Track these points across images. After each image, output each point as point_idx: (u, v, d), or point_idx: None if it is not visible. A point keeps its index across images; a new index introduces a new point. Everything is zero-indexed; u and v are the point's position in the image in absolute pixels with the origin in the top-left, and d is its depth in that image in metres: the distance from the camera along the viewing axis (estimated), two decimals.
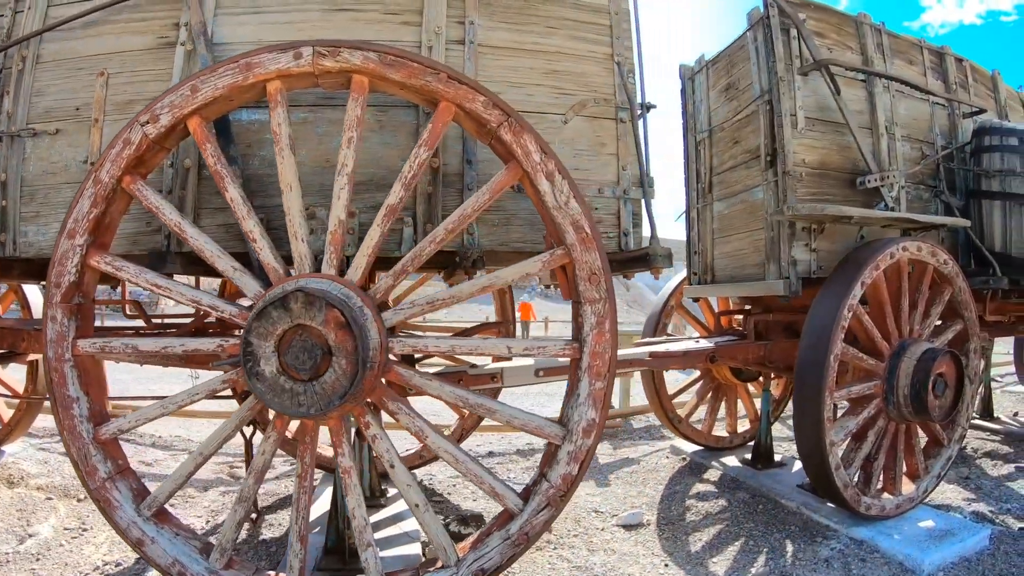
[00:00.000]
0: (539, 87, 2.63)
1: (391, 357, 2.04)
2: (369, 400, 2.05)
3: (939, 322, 3.62)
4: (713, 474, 4.20)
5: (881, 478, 3.27)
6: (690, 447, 4.64)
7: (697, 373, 4.66)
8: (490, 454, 5.17)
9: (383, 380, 2.04)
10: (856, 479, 3.12)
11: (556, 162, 2.10)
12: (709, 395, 4.58)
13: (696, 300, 4.53)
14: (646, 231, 2.67)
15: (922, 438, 3.58)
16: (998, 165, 3.71)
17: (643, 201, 2.68)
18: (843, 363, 2.98)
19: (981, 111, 4.01)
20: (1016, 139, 3.70)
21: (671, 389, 4.57)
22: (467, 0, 2.54)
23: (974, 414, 5.56)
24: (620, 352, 3.44)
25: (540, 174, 2.08)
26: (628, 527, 3.45)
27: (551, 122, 2.66)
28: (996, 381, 7.45)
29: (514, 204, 2.52)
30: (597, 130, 2.69)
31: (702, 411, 4.77)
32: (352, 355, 1.83)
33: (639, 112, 2.73)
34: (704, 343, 3.59)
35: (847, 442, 3.22)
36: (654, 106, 3.12)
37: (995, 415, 5.47)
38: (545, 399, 7.94)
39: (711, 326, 4.53)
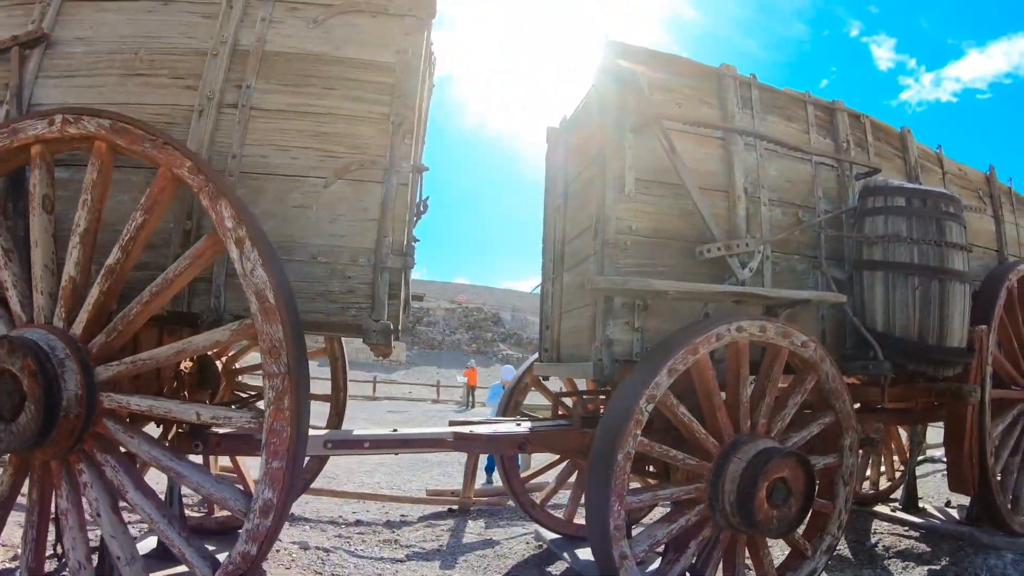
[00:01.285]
0: (306, 149, 2.56)
1: (106, 408, 2.11)
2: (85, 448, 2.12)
3: (808, 413, 3.18)
4: (559, 567, 3.73)
5: None
6: (550, 534, 4.16)
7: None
8: (357, 522, 4.76)
9: (96, 430, 2.12)
10: None
11: (250, 229, 2.06)
12: (572, 478, 4.13)
13: (546, 379, 4.14)
14: None
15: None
16: (881, 230, 3.28)
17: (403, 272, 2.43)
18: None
19: (875, 171, 3.60)
20: (903, 199, 3.27)
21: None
22: (247, 64, 2.58)
23: (896, 506, 5.00)
24: (425, 430, 3.11)
25: (230, 241, 2.06)
26: None
27: (312, 185, 2.53)
28: (938, 462, 6.80)
29: None
30: (361, 194, 2.52)
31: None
32: (41, 402, 1.96)
33: (410, 175, 2.54)
34: (518, 427, 3.17)
35: (667, 554, 2.76)
36: (426, 168, 2.86)
37: (921, 506, 4.90)
38: None
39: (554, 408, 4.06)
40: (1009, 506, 3.95)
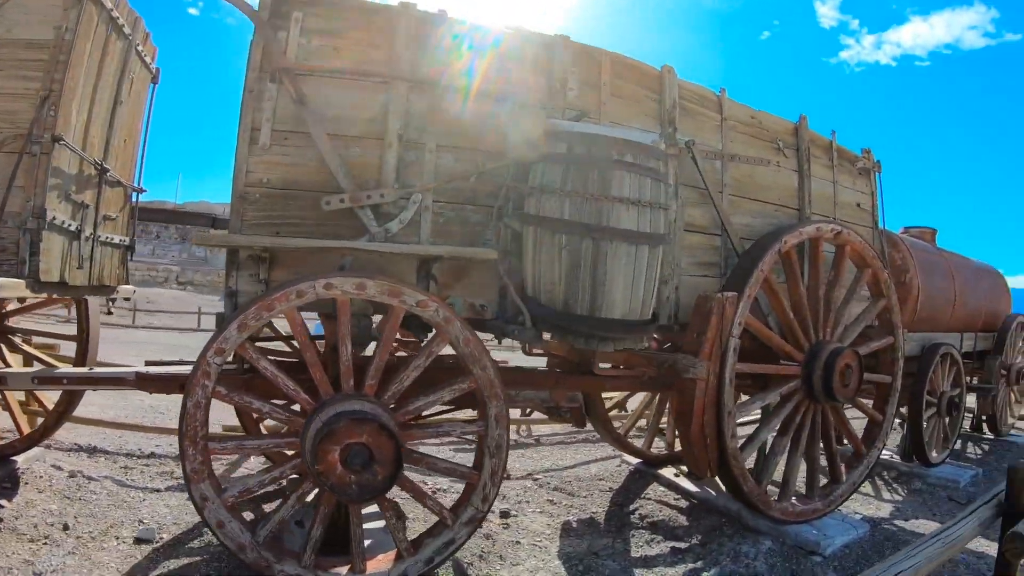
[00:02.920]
0: None
1: None
2: None
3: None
4: None
5: None
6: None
7: None
8: (152, 455, 4.83)
9: None
10: None
11: None
12: None
13: None
14: None
15: None
16: (537, 180, 2.97)
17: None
18: None
19: (582, 115, 3.25)
20: (565, 144, 2.94)
21: None
22: None
23: (683, 469, 4.75)
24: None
25: None
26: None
27: None
28: None
29: None
30: (11, 164, 2.83)
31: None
32: None
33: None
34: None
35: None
36: (61, 138, 2.98)
37: None
38: None
39: None
40: (754, 488, 3.63)
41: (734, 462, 3.52)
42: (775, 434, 3.95)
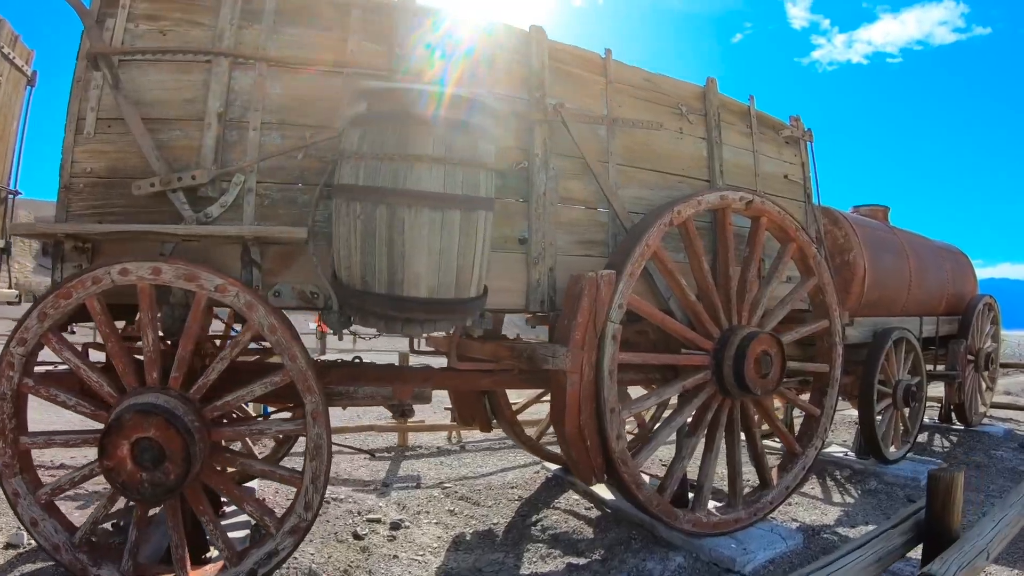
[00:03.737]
0: None
1: None
2: None
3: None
4: None
5: None
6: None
7: None
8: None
9: None
10: None
11: None
12: None
13: None
14: None
15: None
16: (342, 146, 2.60)
17: None
18: None
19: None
20: (365, 103, 2.54)
21: None
22: None
23: None
24: None
25: None
26: None
27: None
28: None
29: None
30: None
31: None
32: None
33: None
34: None
35: None
36: None
37: None
38: None
39: None
40: (651, 496, 3.20)
41: (623, 467, 3.11)
42: (678, 434, 3.54)
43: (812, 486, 4.78)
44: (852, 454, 5.32)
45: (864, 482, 4.84)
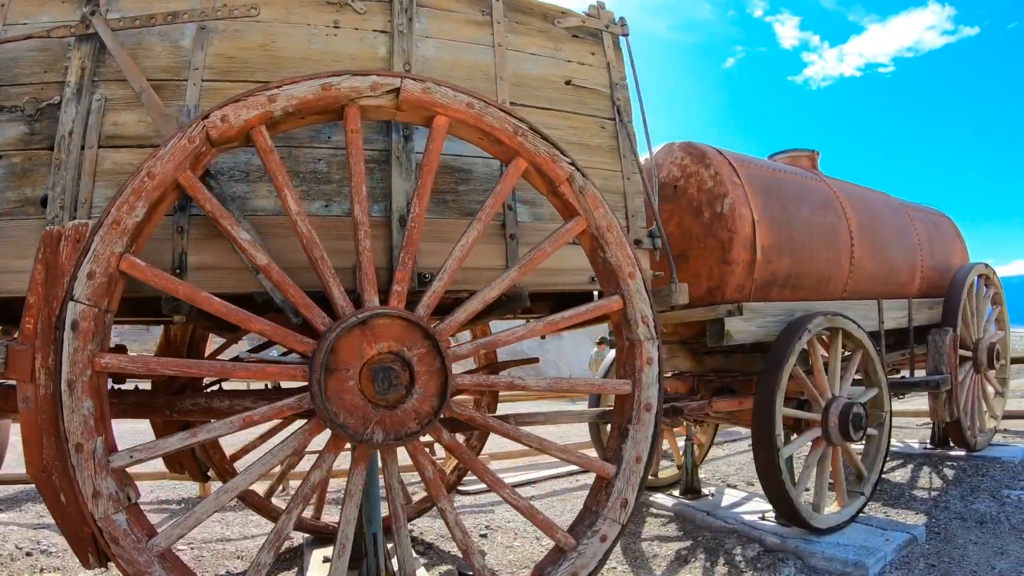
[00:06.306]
0: None
1: None
2: None
3: None
4: None
5: None
6: None
7: None
8: None
9: None
10: None
11: None
12: None
13: None
14: None
15: None
16: None
17: None
18: None
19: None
20: None
21: None
22: None
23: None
24: None
25: None
26: None
27: None
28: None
29: None
30: None
31: None
32: None
33: None
34: None
35: None
36: None
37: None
38: None
39: None
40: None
41: (113, 547, 1.53)
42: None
43: None
44: (771, 518, 3.50)
45: (776, 570, 3.03)
